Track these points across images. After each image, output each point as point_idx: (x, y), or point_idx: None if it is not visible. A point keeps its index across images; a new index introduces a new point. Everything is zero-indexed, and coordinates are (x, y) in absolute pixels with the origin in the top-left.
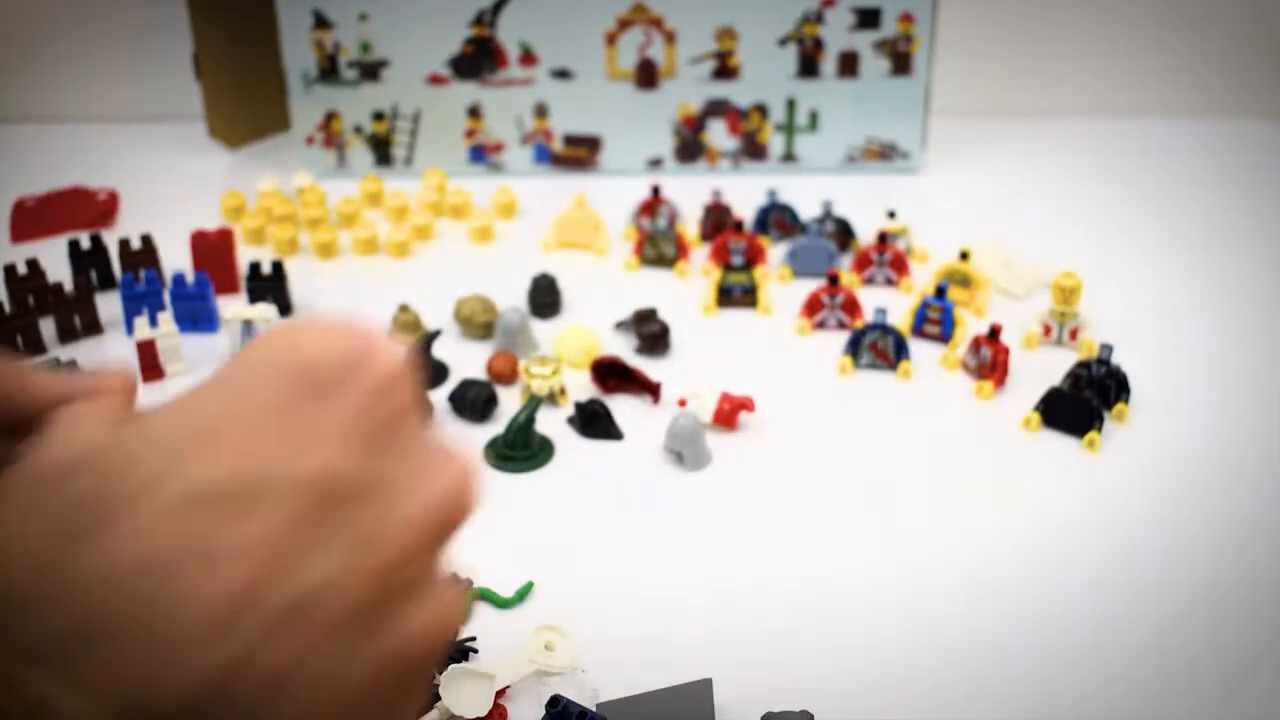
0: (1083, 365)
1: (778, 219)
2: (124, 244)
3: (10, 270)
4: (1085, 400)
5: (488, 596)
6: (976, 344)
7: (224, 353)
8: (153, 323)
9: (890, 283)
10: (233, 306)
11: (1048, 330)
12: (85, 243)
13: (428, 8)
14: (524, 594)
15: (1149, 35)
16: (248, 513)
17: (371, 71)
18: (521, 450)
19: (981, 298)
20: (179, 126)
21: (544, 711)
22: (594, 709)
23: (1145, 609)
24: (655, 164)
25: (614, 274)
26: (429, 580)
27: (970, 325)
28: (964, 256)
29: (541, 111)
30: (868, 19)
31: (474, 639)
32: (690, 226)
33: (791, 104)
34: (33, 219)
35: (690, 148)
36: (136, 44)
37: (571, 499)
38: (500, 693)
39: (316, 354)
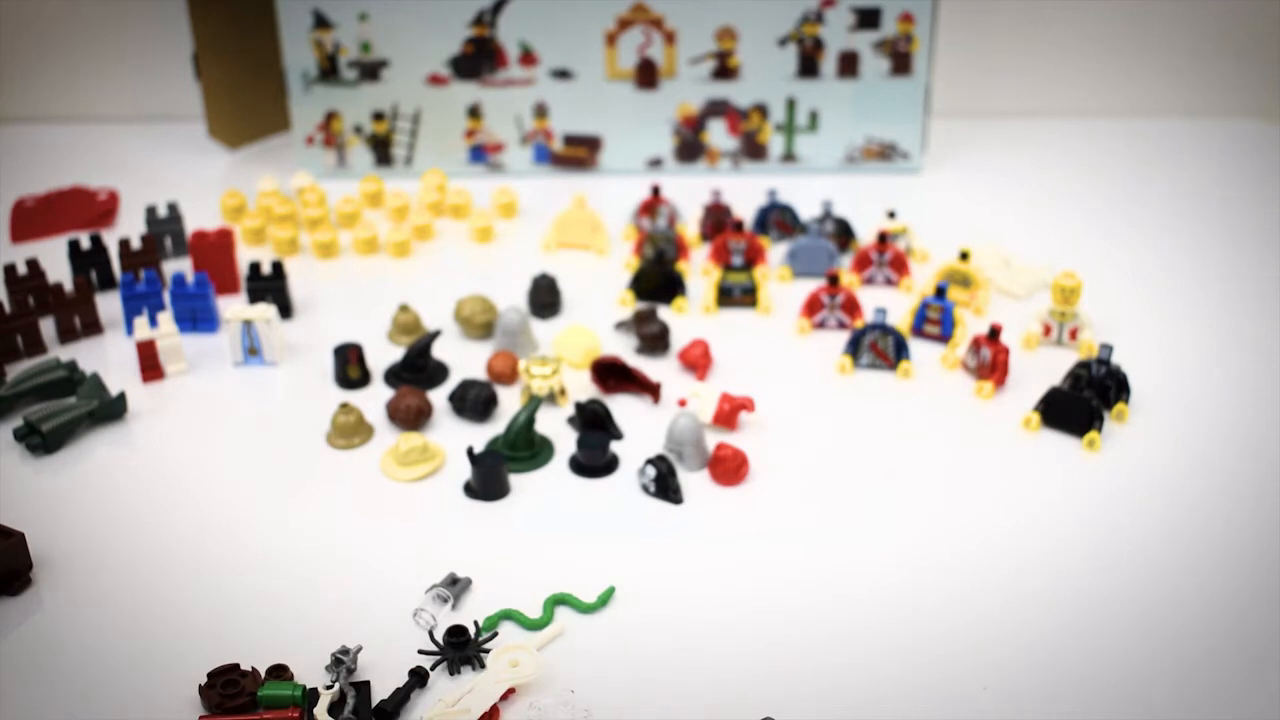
0: (1083, 365)
1: (778, 219)
2: (124, 244)
3: (10, 270)
4: (1085, 400)
5: (568, 601)
6: (976, 344)
7: (224, 352)
8: (153, 323)
9: (890, 283)
10: (233, 306)
11: (1048, 330)
12: (85, 243)
13: (428, 8)
14: (605, 599)
15: (1149, 36)
16: None
17: (371, 71)
18: (522, 450)
19: (981, 298)
20: (179, 127)
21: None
22: None
23: (1146, 607)
24: (655, 164)
25: (614, 273)
26: None
27: (970, 325)
28: (964, 257)
29: (541, 111)
30: (868, 19)
31: (495, 634)
32: (690, 226)
33: (791, 104)
34: (33, 219)
35: (690, 148)
36: (136, 44)
37: (572, 499)
38: (505, 695)
39: None
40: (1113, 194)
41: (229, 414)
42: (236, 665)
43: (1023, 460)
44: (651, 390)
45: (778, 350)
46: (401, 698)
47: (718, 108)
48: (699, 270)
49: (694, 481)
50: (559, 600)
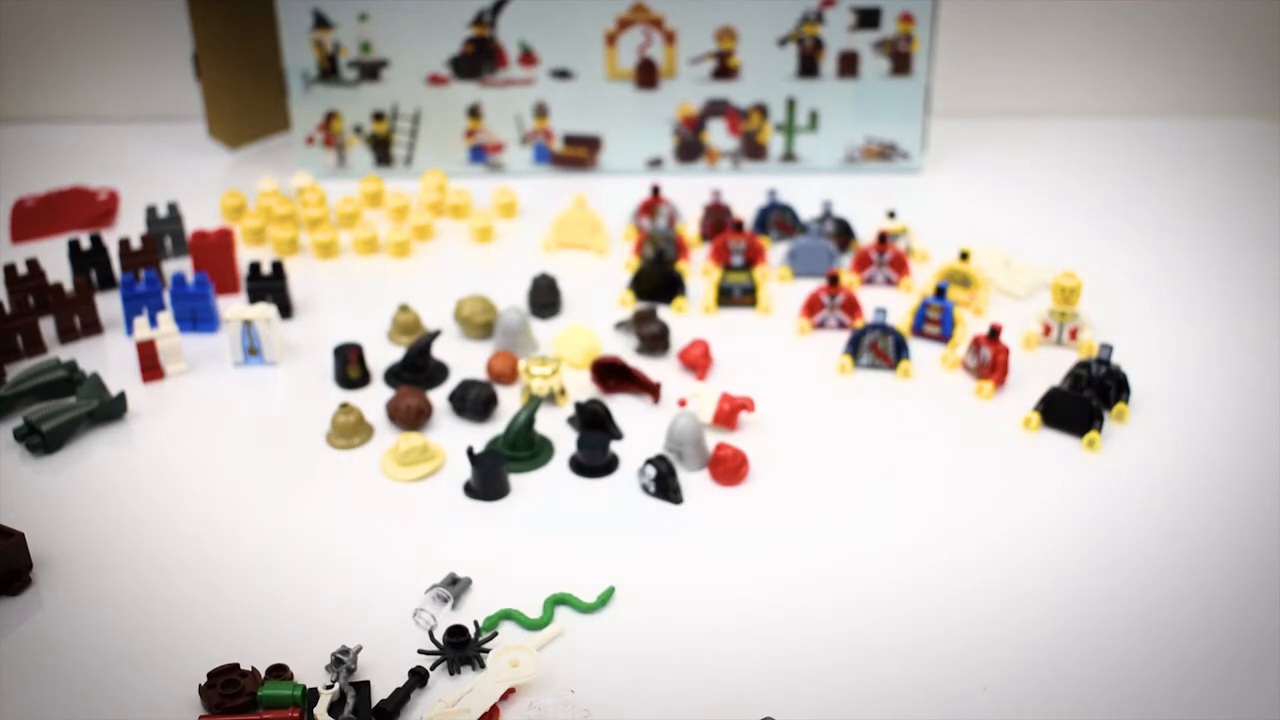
0: (1083, 365)
1: (778, 219)
2: (124, 244)
3: (10, 270)
4: (1085, 400)
5: (568, 601)
6: (976, 344)
7: (224, 352)
8: (153, 323)
9: (890, 283)
10: (233, 306)
11: (1048, 330)
12: (85, 243)
13: (428, 8)
14: (605, 599)
15: (1149, 36)
16: None
17: (371, 71)
18: (522, 450)
19: (981, 298)
20: (179, 127)
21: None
22: None
23: (1146, 607)
24: (655, 164)
25: (614, 273)
26: None
27: (970, 325)
28: (964, 257)
29: (541, 111)
30: (867, 19)
31: (490, 633)
32: (690, 226)
33: (791, 104)
34: (33, 219)
35: (690, 148)
36: (136, 44)
37: (572, 499)
38: (505, 695)
39: None
40: (1113, 194)
41: (229, 414)
42: (236, 665)
43: (1023, 460)
44: (651, 390)
45: (778, 350)
46: (401, 698)
47: (718, 108)
48: (699, 270)
49: (694, 481)
50: (559, 600)
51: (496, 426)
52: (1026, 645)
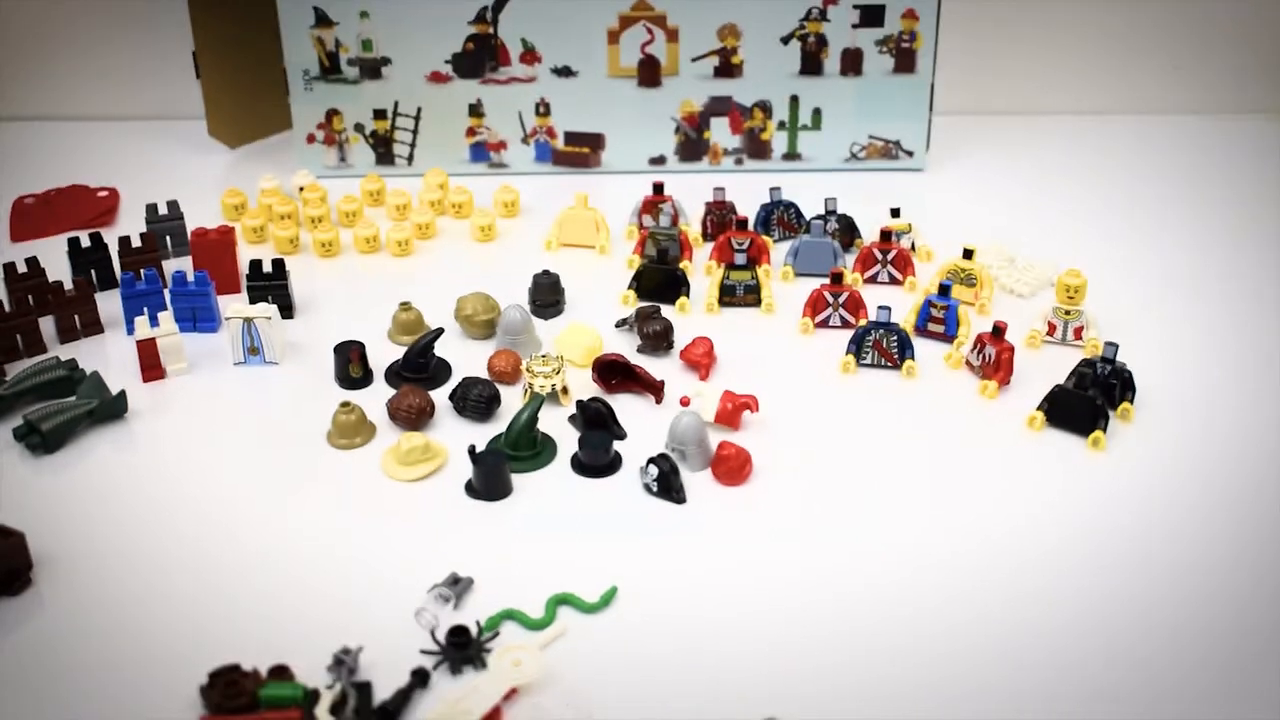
0: (1087, 364)
1: (781, 217)
2: (124, 242)
3: (10, 269)
4: (1090, 399)
5: (570, 601)
6: (980, 342)
7: (225, 351)
8: (153, 322)
9: (894, 281)
10: (233, 305)
11: (1052, 329)
12: (85, 241)
13: (429, 5)
14: (608, 599)
15: (1150, 35)
16: None
17: (373, 69)
18: (524, 449)
19: (985, 296)
20: (179, 125)
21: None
22: None
23: (1147, 606)
24: (657, 162)
25: (617, 272)
26: None
27: (974, 324)
28: (968, 255)
29: (543, 109)
30: (871, 16)
31: (490, 634)
32: (693, 225)
33: (795, 102)
34: (33, 217)
35: (693, 146)
36: (136, 43)
37: (574, 498)
38: (507, 695)
39: None
40: (1118, 192)
41: (230, 413)
42: (237, 665)
43: (1027, 459)
44: (654, 389)
45: (781, 349)
46: (403, 698)
47: (720, 105)
48: (702, 269)
49: (697, 481)
50: (561, 600)
51: (498, 425)
52: (1028, 645)
